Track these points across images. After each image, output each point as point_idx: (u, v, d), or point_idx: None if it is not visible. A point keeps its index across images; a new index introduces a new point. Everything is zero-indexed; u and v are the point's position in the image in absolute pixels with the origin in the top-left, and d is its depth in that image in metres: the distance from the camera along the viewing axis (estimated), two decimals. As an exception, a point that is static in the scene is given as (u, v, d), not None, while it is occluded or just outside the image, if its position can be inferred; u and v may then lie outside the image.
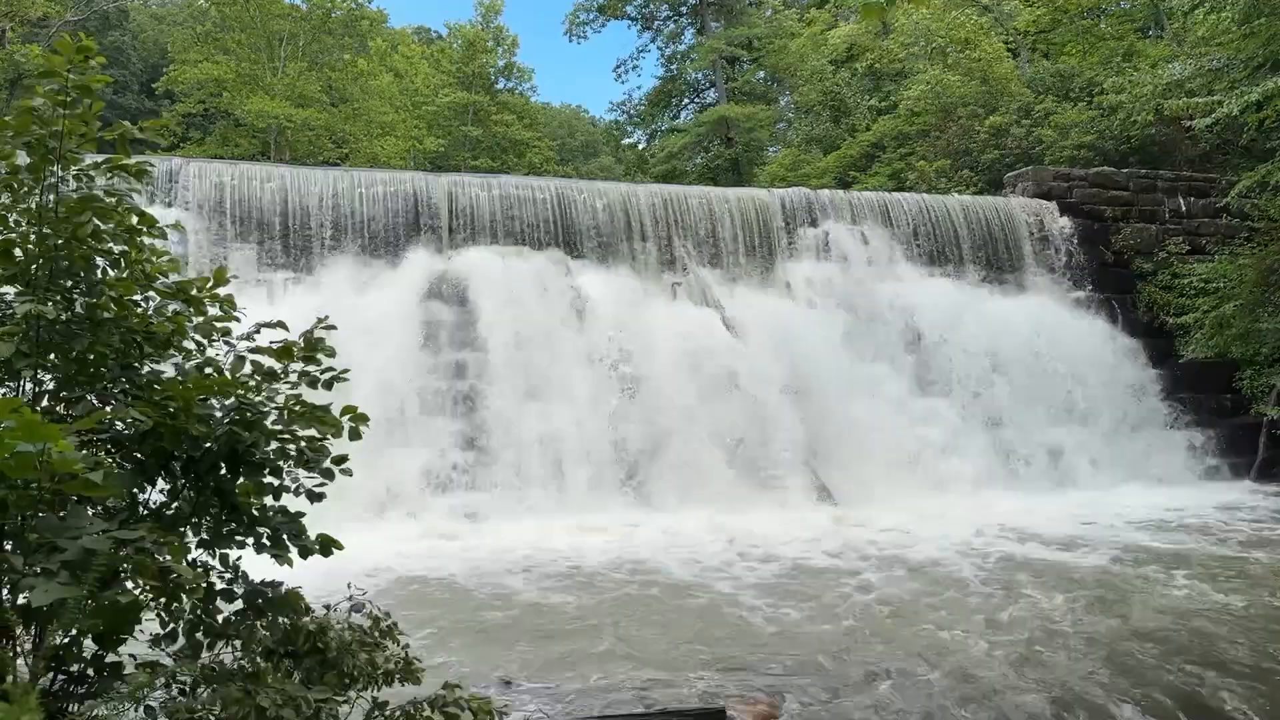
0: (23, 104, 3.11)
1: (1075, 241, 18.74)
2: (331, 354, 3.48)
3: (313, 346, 3.44)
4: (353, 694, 3.28)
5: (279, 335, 3.46)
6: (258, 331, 3.49)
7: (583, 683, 6.51)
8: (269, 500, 3.32)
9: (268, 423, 3.26)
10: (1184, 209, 19.54)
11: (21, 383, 3.04)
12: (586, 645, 7.46)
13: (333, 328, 3.52)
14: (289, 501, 3.38)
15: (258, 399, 3.29)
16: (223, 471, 3.20)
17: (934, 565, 10.30)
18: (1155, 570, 9.97)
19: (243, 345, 3.47)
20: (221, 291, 3.49)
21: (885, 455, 14.80)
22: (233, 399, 3.21)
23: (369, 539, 10.17)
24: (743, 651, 7.30)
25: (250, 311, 3.67)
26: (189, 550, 3.10)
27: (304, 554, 3.27)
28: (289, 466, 3.35)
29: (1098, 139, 21.79)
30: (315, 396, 3.48)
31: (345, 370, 3.51)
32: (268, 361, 3.39)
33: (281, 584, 3.31)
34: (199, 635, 3.08)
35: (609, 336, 14.63)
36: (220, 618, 3.15)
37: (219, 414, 3.16)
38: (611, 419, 13.94)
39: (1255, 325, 16.62)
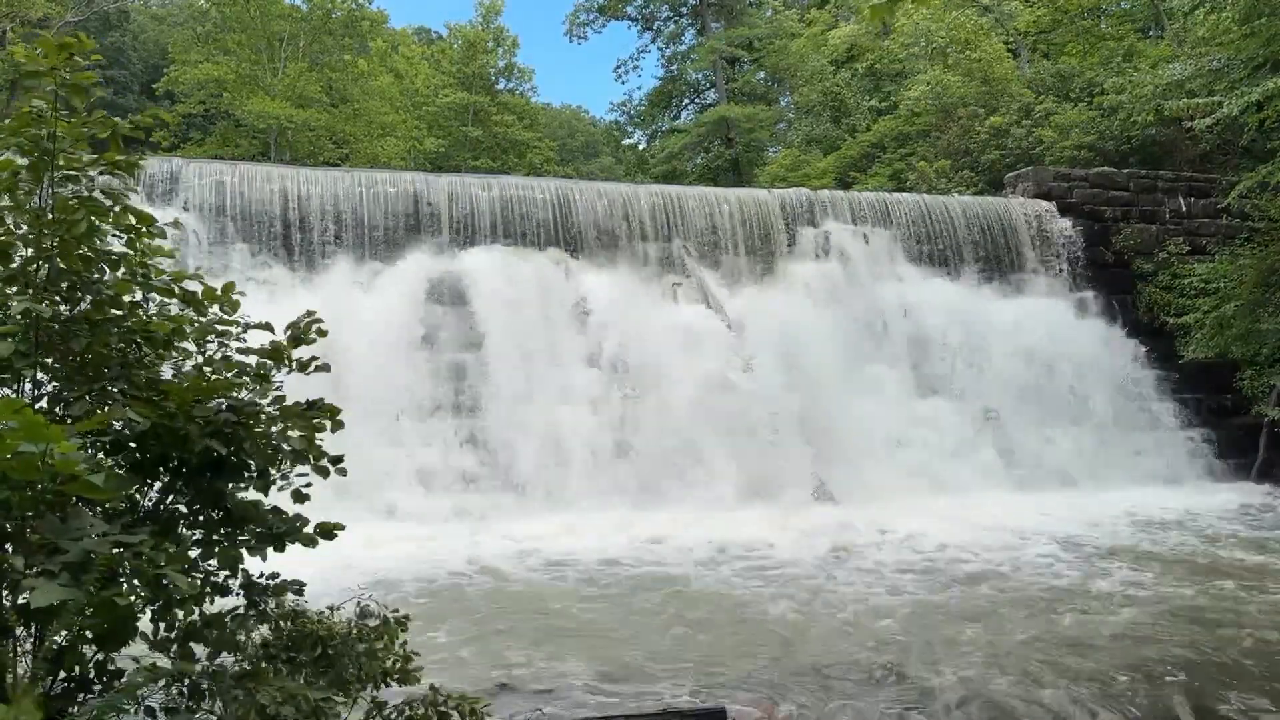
0: (23, 106, 3.11)
1: (1075, 242, 18.74)
2: (316, 338, 3.45)
3: (298, 339, 3.42)
4: (352, 693, 3.28)
5: (267, 336, 3.45)
6: (245, 331, 3.48)
7: (583, 682, 6.51)
8: (262, 501, 3.30)
9: (258, 427, 3.24)
10: (1184, 209, 19.54)
11: (21, 383, 3.04)
12: (587, 644, 7.46)
13: (324, 333, 3.49)
14: (285, 500, 3.36)
15: (247, 399, 3.27)
16: (211, 475, 3.18)
17: (935, 566, 10.30)
18: (1155, 570, 9.98)
19: (234, 346, 3.46)
20: (223, 290, 3.47)
21: (886, 456, 14.81)
22: (220, 400, 3.19)
23: (369, 540, 10.17)
24: (743, 652, 7.30)
25: (251, 312, 3.66)
26: (188, 553, 3.09)
27: (307, 544, 3.26)
28: (280, 467, 3.32)
29: (1098, 139, 21.78)
30: (313, 392, 3.45)
31: (326, 364, 3.48)
32: (254, 360, 3.38)
33: (278, 574, 3.30)
34: (195, 641, 3.07)
35: (609, 337, 14.63)
36: (219, 618, 3.13)
37: (222, 416, 3.14)
38: (611, 419, 13.94)
39: (1256, 325, 16.60)
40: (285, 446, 3.29)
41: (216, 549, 3.17)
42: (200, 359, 3.45)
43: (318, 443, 3.34)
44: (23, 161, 3.11)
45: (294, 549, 3.26)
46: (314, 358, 3.46)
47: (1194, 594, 8.92)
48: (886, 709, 6.03)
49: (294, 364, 3.43)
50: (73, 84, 3.08)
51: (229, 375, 3.32)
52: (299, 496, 3.37)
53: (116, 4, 34.25)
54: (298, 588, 3.36)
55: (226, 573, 3.21)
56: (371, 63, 32.65)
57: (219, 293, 3.44)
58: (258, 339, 3.47)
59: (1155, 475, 15.93)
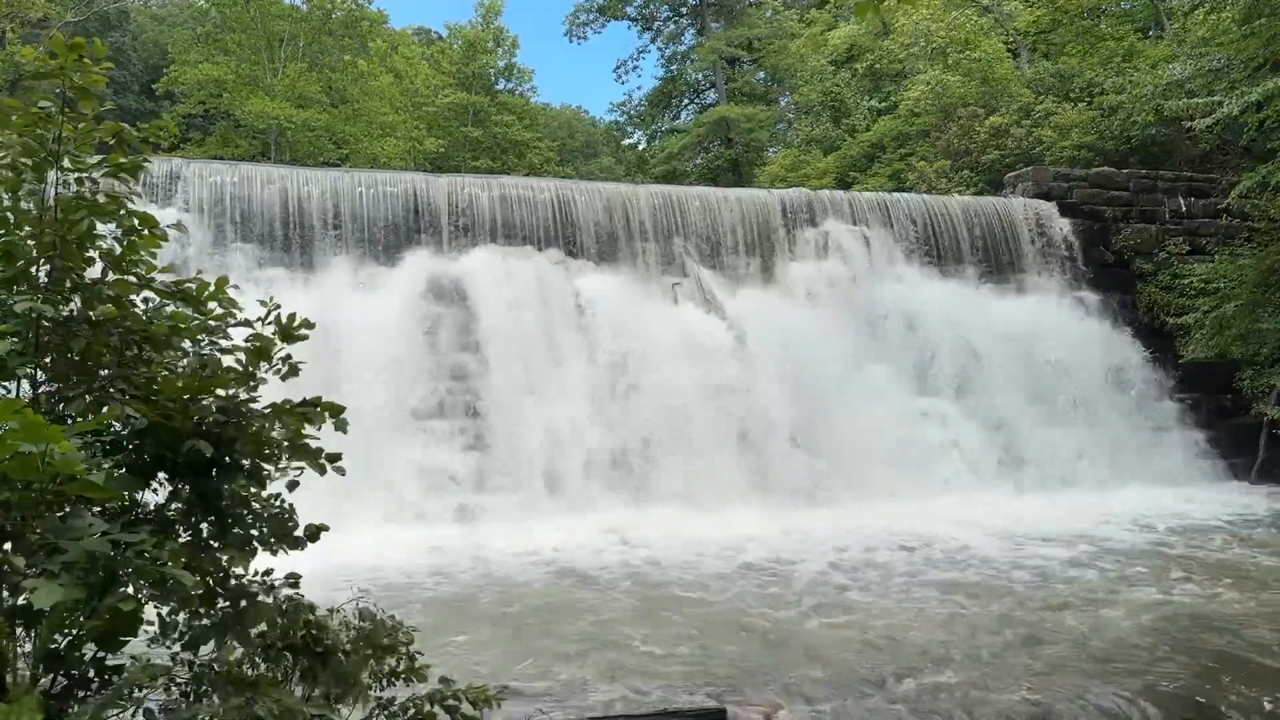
0: (30, 106, 3.11)
1: (1075, 242, 18.75)
2: (304, 334, 3.42)
3: (288, 335, 3.40)
4: (354, 691, 3.28)
5: (249, 334, 3.42)
6: (237, 324, 3.46)
7: (585, 683, 6.51)
8: (256, 505, 3.29)
9: (251, 426, 3.23)
10: (1184, 209, 19.55)
11: (19, 383, 3.04)
12: (586, 646, 7.46)
13: (310, 324, 3.45)
14: (281, 489, 3.35)
15: (240, 400, 3.27)
16: (205, 475, 3.17)
17: (936, 567, 10.30)
18: (1153, 571, 9.98)
19: (225, 345, 3.45)
20: (216, 285, 3.46)
21: (886, 456, 14.80)
22: (209, 401, 3.18)
23: (371, 541, 10.19)
24: (744, 654, 7.30)
25: (250, 313, 3.66)
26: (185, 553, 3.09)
27: (297, 546, 3.26)
28: (275, 464, 3.30)
29: (1098, 139, 21.79)
30: (311, 394, 3.44)
31: (302, 361, 3.46)
32: (242, 356, 3.37)
33: (274, 575, 3.29)
34: (198, 632, 3.08)
35: (609, 337, 14.63)
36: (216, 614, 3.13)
37: (212, 417, 3.14)
38: (612, 420, 13.94)
39: (1255, 325, 16.61)
40: (282, 441, 3.28)
41: (208, 554, 3.17)
42: (198, 358, 3.44)
43: (311, 438, 3.31)
44: (26, 161, 3.11)
45: (292, 551, 3.26)
46: (288, 355, 3.44)
47: (1198, 594, 8.93)
48: (891, 711, 6.03)
49: (282, 363, 3.42)
50: (81, 86, 3.08)
51: (222, 372, 3.31)
52: (290, 485, 3.35)
53: (116, 4, 34.24)
54: (294, 579, 3.35)
55: (222, 576, 3.21)
56: (371, 63, 32.63)
57: (213, 289, 3.43)
58: (247, 336, 3.45)
59: (1155, 476, 15.92)
